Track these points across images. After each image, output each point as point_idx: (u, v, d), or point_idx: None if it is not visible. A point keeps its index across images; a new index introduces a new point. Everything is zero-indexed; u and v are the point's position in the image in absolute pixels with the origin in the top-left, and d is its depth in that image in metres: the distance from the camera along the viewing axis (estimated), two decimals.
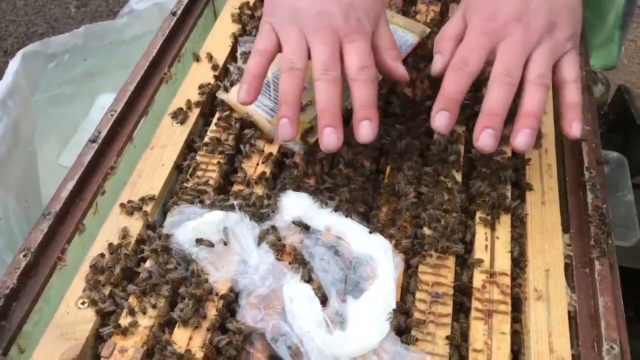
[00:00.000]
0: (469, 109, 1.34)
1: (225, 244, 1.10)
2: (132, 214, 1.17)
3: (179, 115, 1.34)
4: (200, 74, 1.46)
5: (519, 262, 1.11)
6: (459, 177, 1.22)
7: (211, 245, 1.08)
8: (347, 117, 1.33)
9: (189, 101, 1.37)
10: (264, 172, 1.24)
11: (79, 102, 1.89)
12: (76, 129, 1.82)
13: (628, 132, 2.28)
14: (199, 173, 1.24)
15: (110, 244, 1.11)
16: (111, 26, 1.96)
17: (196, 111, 1.37)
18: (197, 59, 1.48)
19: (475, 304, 1.04)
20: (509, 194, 1.19)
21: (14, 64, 1.63)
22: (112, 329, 0.99)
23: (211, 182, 1.23)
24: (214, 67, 1.46)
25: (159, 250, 1.09)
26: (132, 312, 1.02)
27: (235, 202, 1.16)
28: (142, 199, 1.19)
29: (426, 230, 1.13)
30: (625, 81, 3.14)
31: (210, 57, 1.48)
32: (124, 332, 0.99)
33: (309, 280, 1.05)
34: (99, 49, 1.92)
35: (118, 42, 1.95)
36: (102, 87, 1.93)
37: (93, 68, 1.90)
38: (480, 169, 1.23)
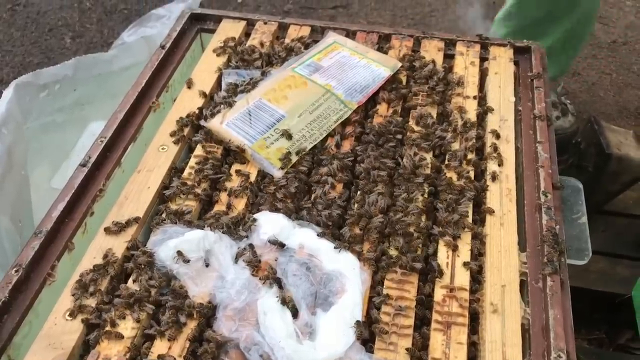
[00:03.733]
0: (437, 138, 1.44)
1: (207, 265, 1.17)
2: (118, 233, 1.25)
3: (177, 135, 1.45)
4: (186, 103, 1.55)
5: (477, 278, 1.19)
6: (423, 199, 1.31)
7: (187, 261, 1.16)
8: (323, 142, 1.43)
9: (179, 121, 1.48)
10: (243, 194, 1.32)
11: (69, 129, 1.98)
12: (67, 154, 1.91)
13: (598, 160, 2.39)
14: (183, 195, 1.32)
15: (96, 265, 1.19)
16: (100, 58, 2.06)
17: (184, 132, 1.47)
18: (174, 100, 1.59)
19: (435, 316, 1.12)
20: (470, 214, 1.28)
21: (7, 94, 1.72)
22: (98, 334, 1.07)
23: (194, 203, 1.31)
24: (201, 96, 1.56)
25: (143, 266, 1.17)
26: (116, 323, 1.09)
27: (215, 222, 1.25)
28: (128, 221, 1.27)
29: (392, 250, 1.22)
30: (602, 113, 3.26)
31: (196, 88, 1.58)
32: (109, 339, 1.06)
33: (284, 301, 1.12)
34: (89, 80, 2.01)
35: (107, 73, 2.05)
36: (91, 116, 2.02)
37: (82, 97, 1.99)
38: (444, 191, 1.32)
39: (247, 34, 1.79)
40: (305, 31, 1.77)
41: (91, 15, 3.77)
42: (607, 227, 2.40)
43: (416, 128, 1.47)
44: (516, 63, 1.68)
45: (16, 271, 1.18)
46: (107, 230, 1.25)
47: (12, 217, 1.54)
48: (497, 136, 1.44)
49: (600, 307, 2.27)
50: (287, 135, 1.43)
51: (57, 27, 3.69)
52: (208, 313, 1.11)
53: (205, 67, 1.67)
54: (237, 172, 1.38)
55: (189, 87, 1.60)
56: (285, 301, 1.11)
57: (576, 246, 1.36)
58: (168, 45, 1.71)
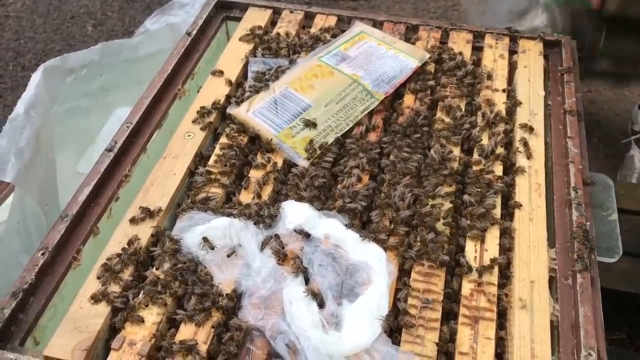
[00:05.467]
0: (465, 130, 1.43)
1: (229, 256, 1.17)
2: (144, 219, 1.25)
3: (199, 122, 1.45)
4: (212, 91, 1.55)
5: (505, 273, 1.17)
6: (451, 192, 1.30)
7: (213, 247, 1.16)
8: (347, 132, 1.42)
9: (199, 110, 1.47)
10: (269, 182, 1.32)
11: (94, 114, 1.99)
12: (92, 139, 1.92)
13: None
14: (209, 182, 1.32)
15: (124, 248, 1.19)
16: (126, 44, 2.06)
17: (210, 119, 1.46)
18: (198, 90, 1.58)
19: (462, 310, 1.11)
20: (498, 207, 1.27)
21: (35, 77, 1.72)
22: (124, 318, 1.08)
23: (220, 190, 1.31)
24: (227, 84, 1.56)
25: (169, 252, 1.16)
26: (141, 308, 1.09)
27: (241, 210, 1.24)
28: (154, 210, 1.26)
29: (419, 243, 1.20)
30: (626, 111, 3.22)
31: (221, 75, 1.57)
32: (134, 324, 1.07)
33: (314, 294, 1.11)
34: (114, 65, 2.02)
35: (132, 59, 2.05)
36: (116, 102, 2.03)
37: (108, 83, 2.00)
38: (472, 185, 1.31)
39: (272, 23, 1.78)
40: (332, 21, 1.75)
41: (112, 3, 3.77)
42: (631, 226, 2.37)
43: (445, 120, 1.45)
44: (546, 57, 1.65)
45: (42, 254, 1.18)
46: (134, 218, 1.25)
47: (40, 200, 1.55)
48: (531, 129, 1.42)
49: (622, 307, 2.24)
50: (313, 125, 1.41)
51: (79, 15, 3.70)
52: (233, 301, 1.11)
53: (231, 55, 1.66)
54: (263, 160, 1.37)
55: (214, 75, 1.59)
56: (314, 294, 1.10)
57: (606, 243, 1.34)
58: (194, 33, 1.70)
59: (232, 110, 1.47)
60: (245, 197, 1.30)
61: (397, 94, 1.54)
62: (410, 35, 1.72)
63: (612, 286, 2.21)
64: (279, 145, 1.39)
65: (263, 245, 1.19)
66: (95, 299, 1.11)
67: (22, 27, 3.60)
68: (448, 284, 1.16)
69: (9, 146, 1.55)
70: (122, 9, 3.74)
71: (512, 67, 1.62)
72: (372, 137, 1.42)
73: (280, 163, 1.37)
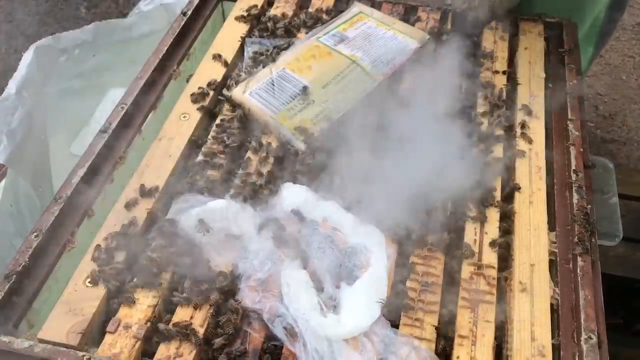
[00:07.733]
0: (465, 112, 1.41)
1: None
2: (139, 201, 1.23)
3: (197, 102, 1.43)
4: (207, 72, 1.52)
5: (505, 257, 1.16)
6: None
7: (208, 230, 1.14)
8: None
9: (193, 93, 1.45)
10: (266, 164, 1.30)
11: (87, 96, 1.95)
12: (85, 121, 1.89)
13: None
14: (205, 164, 1.30)
15: (121, 227, 1.17)
16: (120, 24, 2.02)
17: (206, 100, 1.44)
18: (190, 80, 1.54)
19: (462, 293, 1.10)
20: (498, 190, 1.25)
21: (27, 56, 1.69)
22: (120, 300, 1.07)
23: (216, 172, 1.29)
24: (223, 65, 1.53)
25: (165, 234, 1.15)
26: (137, 291, 1.07)
27: (237, 192, 1.22)
28: (149, 189, 1.24)
29: (418, 225, 1.18)
30: (623, 96, 3.20)
31: (218, 57, 1.55)
32: (130, 306, 1.05)
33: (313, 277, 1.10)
34: (108, 46, 1.98)
35: (126, 40, 2.01)
36: (109, 83, 1.99)
37: (101, 63, 1.96)
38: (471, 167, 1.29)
39: (269, 3, 1.75)
40: (330, 1, 1.73)
41: None
42: (628, 212, 2.36)
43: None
44: (546, 39, 1.63)
45: (36, 236, 1.16)
46: (129, 200, 1.23)
47: (33, 182, 1.52)
48: (529, 112, 1.40)
49: (618, 292, 2.24)
50: (311, 106, 1.39)
51: None
52: (230, 284, 1.09)
53: (227, 36, 1.63)
54: (260, 142, 1.34)
55: (210, 56, 1.56)
56: (309, 273, 1.09)
57: (606, 227, 1.33)
58: (189, 13, 1.67)
59: (228, 92, 1.44)
60: (242, 179, 1.27)
61: (397, 75, 1.52)
62: (409, 16, 1.70)
63: (608, 271, 2.21)
64: (276, 127, 1.36)
65: (260, 228, 1.17)
66: (91, 281, 1.09)
67: (14, 9, 3.55)
68: (447, 266, 1.15)
69: (1, 127, 1.53)
70: None
71: (512, 49, 1.60)
72: (371, 118, 1.40)
73: (277, 145, 1.35)
